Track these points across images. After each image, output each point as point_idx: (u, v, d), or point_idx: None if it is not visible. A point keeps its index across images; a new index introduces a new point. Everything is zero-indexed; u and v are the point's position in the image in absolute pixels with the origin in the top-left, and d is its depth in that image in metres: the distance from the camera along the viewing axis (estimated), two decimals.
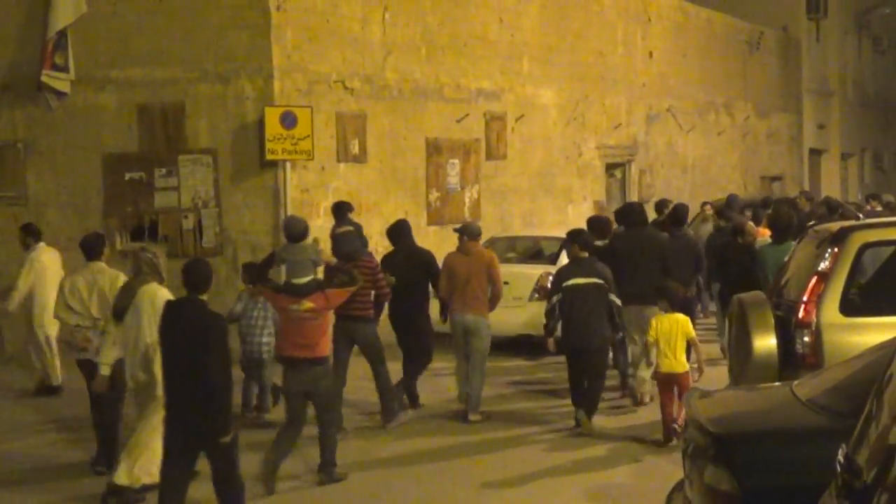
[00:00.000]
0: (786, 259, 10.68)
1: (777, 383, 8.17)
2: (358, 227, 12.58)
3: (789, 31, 33.94)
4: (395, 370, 12.22)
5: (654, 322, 11.02)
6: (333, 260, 10.62)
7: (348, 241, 11.50)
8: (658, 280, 11.91)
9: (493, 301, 12.33)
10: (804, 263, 9.70)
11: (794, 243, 10.98)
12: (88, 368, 10.19)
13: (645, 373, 12.35)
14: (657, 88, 25.44)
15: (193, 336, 7.92)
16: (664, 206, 17.42)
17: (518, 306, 15.14)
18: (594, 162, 23.04)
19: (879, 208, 20.21)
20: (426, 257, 12.55)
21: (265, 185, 15.62)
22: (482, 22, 19.50)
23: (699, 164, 27.69)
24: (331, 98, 16.31)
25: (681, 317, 10.98)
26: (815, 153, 35.90)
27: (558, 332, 11.84)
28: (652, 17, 25.31)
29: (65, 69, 16.25)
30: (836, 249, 9.24)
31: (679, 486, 7.06)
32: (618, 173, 24.26)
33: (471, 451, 11.03)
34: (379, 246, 16.83)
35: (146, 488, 9.30)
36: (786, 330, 9.24)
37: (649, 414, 11.91)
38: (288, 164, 15.40)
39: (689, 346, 11.05)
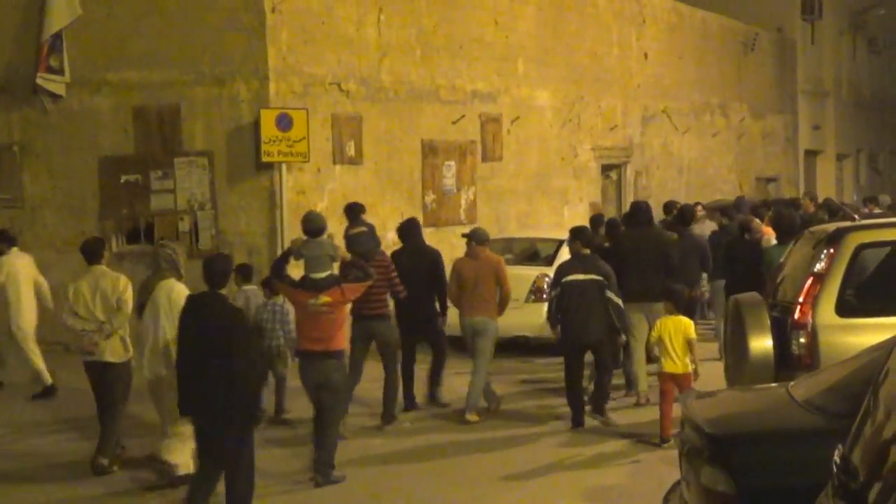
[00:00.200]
0: (781, 260, 10.70)
1: (773, 384, 8.18)
2: (371, 228, 12.75)
3: (784, 32, 33.97)
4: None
5: (658, 323, 11.11)
6: (349, 256, 10.80)
7: (362, 241, 11.65)
8: (663, 278, 12.07)
9: (502, 304, 12.49)
10: (800, 264, 9.72)
11: None
12: (96, 371, 10.36)
13: (642, 371, 12.52)
14: (652, 90, 25.46)
15: (214, 329, 8.12)
16: (672, 207, 17.52)
17: (514, 308, 15.06)
18: (590, 163, 23.06)
19: (877, 210, 20.21)
20: (432, 256, 12.79)
21: (261, 188, 15.62)
22: (478, 24, 19.51)
23: (695, 165, 27.71)
24: (326, 100, 16.32)
25: (685, 319, 11.06)
26: (811, 154, 35.94)
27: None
28: (647, 19, 25.33)
29: (60, 72, 16.26)
30: (831, 250, 9.26)
31: (676, 487, 7.07)
32: (613, 175, 24.28)
33: (468, 451, 11.05)
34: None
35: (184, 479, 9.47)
36: (782, 331, 9.26)
37: (649, 413, 11.92)
38: (284, 167, 15.40)
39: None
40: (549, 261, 16.39)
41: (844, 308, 9.11)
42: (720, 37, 29.39)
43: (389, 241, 16.74)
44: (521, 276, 15.57)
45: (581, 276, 11.57)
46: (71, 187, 16.59)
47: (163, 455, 9.68)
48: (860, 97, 41.11)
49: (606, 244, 13.50)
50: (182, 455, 9.61)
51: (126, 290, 10.31)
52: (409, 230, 12.94)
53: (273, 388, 12.15)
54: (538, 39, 21.17)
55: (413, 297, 12.22)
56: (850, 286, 9.31)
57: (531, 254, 17.08)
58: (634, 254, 12.69)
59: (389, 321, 12.01)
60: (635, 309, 12.42)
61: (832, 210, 18.69)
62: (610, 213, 23.64)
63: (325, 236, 10.25)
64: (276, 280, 10.36)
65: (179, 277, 9.86)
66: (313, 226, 10.28)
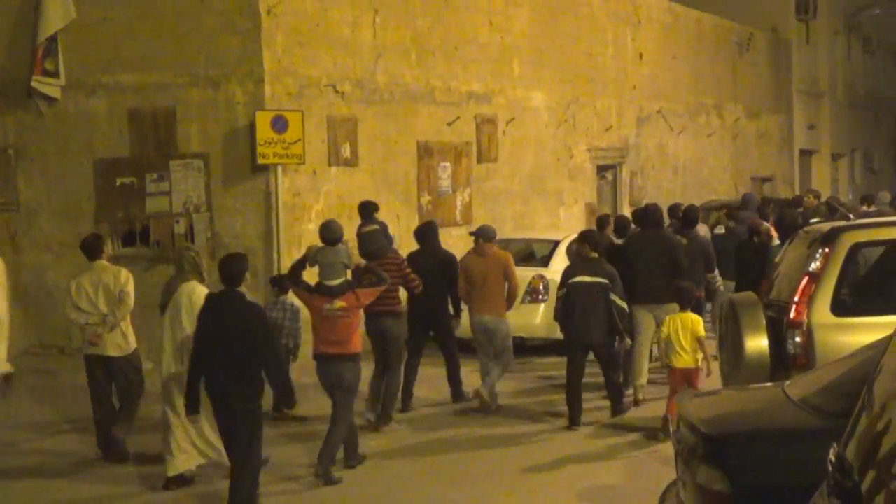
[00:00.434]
0: (776, 260, 10.72)
1: (769, 383, 8.19)
2: (383, 226, 13.16)
3: (779, 31, 34.00)
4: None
5: (667, 319, 11.35)
6: (363, 262, 11.08)
7: (373, 239, 11.89)
8: (672, 280, 12.23)
9: (510, 299, 12.78)
10: (795, 264, 9.73)
11: None
12: (98, 363, 10.75)
13: (644, 367, 12.72)
14: (647, 90, 25.48)
15: (233, 325, 8.42)
16: (678, 210, 17.53)
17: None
18: (585, 164, 23.07)
19: (872, 209, 20.23)
20: (447, 258, 13.03)
21: (257, 190, 15.62)
22: (472, 25, 19.52)
23: (690, 165, 27.73)
24: (322, 102, 16.32)
25: (692, 316, 11.26)
26: (806, 154, 35.97)
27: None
28: (642, 19, 25.35)
29: (55, 75, 16.24)
30: (826, 250, 9.27)
31: (672, 487, 7.08)
32: (609, 175, 24.29)
33: (464, 451, 11.08)
34: None
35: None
36: (777, 330, 9.27)
37: (655, 409, 12.00)
38: (279, 168, 15.39)
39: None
40: (545, 262, 16.43)
41: (840, 307, 9.13)
42: (715, 37, 29.42)
43: None
44: (517, 278, 15.56)
45: (587, 279, 11.79)
46: (66, 190, 16.58)
47: (171, 474, 9.89)
48: (855, 97, 41.16)
49: (617, 241, 13.75)
50: (181, 455, 9.79)
51: (128, 283, 10.66)
52: (426, 233, 13.18)
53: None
54: (533, 40, 21.18)
55: (427, 297, 12.42)
56: (845, 285, 9.33)
57: (527, 255, 17.09)
58: (643, 255, 12.85)
59: (400, 318, 12.12)
60: (644, 309, 12.63)
61: (832, 207, 18.79)
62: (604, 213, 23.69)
63: (340, 244, 10.44)
64: (292, 286, 10.56)
65: (202, 280, 10.11)
66: (332, 235, 10.49)
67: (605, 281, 11.75)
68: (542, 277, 15.81)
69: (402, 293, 12.34)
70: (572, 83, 22.46)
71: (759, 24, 32.46)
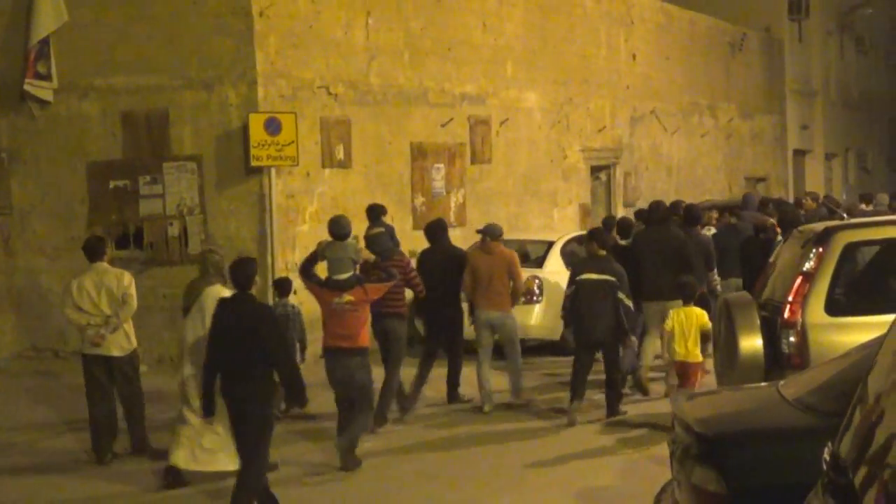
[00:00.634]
0: (771, 260, 10.72)
1: (763, 383, 8.19)
2: (390, 229, 13.47)
3: (772, 32, 34.03)
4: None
5: (672, 313, 11.63)
6: (372, 258, 11.22)
7: (379, 241, 12.03)
8: (677, 277, 12.44)
9: (515, 296, 13.02)
10: (789, 263, 9.74)
11: None
12: (98, 363, 10.90)
13: (649, 357, 13.04)
14: (641, 91, 25.49)
15: (246, 327, 8.60)
16: (679, 208, 17.57)
17: None
18: (579, 165, 23.07)
19: (869, 208, 20.28)
20: (460, 254, 13.25)
21: (250, 192, 15.61)
22: (465, 26, 19.52)
23: (684, 165, 27.75)
24: (315, 104, 16.31)
25: (697, 310, 11.52)
26: (799, 154, 36.00)
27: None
28: (635, 20, 25.36)
29: (48, 77, 16.22)
30: (820, 249, 9.28)
31: (667, 487, 7.07)
32: (603, 176, 24.30)
33: (458, 452, 11.09)
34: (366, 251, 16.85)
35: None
36: (772, 330, 9.27)
37: (661, 406, 12.02)
38: (273, 171, 15.38)
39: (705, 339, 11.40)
40: (539, 263, 16.44)
41: (834, 307, 9.14)
42: (708, 37, 29.44)
43: None
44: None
45: (595, 276, 11.97)
46: (59, 193, 16.56)
47: (176, 462, 9.94)
48: (848, 97, 41.22)
49: (621, 242, 14.01)
50: (181, 450, 9.87)
51: (131, 286, 10.84)
52: (436, 231, 13.33)
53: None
54: (526, 41, 21.18)
55: (440, 295, 12.70)
56: (839, 285, 9.34)
57: (521, 256, 17.03)
58: (650, 252, 13.11)
59: (403, 320, 12.25)
60: (651, 307, 12.94)
61: (831, 210, 18.95)
62: (599, 214, 23.70)
63: (349, 240, 10.69)
64: (304, 280, 10.72)
65: (224, 282, 10.18)
66: (341, 230, 10.75)
67: (613, 279, 11.89)
68: (536, 278, 15.83)
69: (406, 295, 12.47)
70: (566, 84, 22.47)
71: (751, 25, 32.49)
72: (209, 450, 9.76)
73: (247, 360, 8.59)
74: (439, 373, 13.40)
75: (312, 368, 11.67)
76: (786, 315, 9.15)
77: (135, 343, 11.08)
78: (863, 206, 20.62)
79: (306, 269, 10.60)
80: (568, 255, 16.49)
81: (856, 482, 4.09)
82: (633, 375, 13.29)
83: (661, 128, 26.34)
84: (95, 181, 16.29)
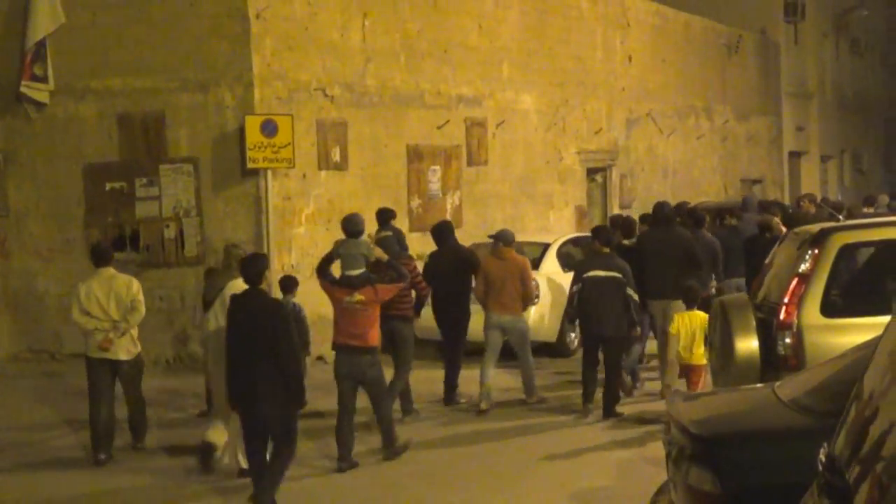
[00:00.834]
0: (767, 261, 10.74)
1: (759, 384, 8.20)
2: (397, 232, 13.83)
3: (767, 33, 34.07)
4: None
5: (676, 317, 11.88)
6: (385, 257, 11.35)
7: (386, 245, 12.16)
8: (683, 276, 12.73)
9: (526, 301, 13.28)
10: (785, 265, 9.75)
11: None
12: (105, 367, 11.07)
13: (666, 359, 12.93)
14: (637, 93, 25.51)
15: (258, 322, 8.82)
16: (683, 209, 17.69)
17: None
18: (575, 167, 23.09)
19: (871, 210, 20.30)
20: (469, 255, 13.58)
21: (246, 194, 15.61)
22: (462, 28, 19.53)
23: (680, 167, 27.77)
24: (311, 106, 16.32)
25: (700, 314, 11.63)
26: (795, 155, 36.03)
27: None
28: (631, 22, 25.39)
29: (44, 79, 16.22)
30: (816, 251, 9.29)
31: (663, 488, 7.09)
32: (599, 178, 24.31)
33: (455, 452, 11.11)
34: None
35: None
36: (767, 331, 9.28)
37: (655, 407, 12.12)
38: (269, 173, 15.38)
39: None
40: (535, 265, 16.41)
41: (829, 308, 9.15)
42: (704, 39, 29.47)
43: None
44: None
45: (602, 273, 12.26)
46: (56, 195, 16.56)
47: (209, 439, 10.30)
48: (843, 98, 41.26)
49: (625, 242, 14.22)
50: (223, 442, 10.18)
51: (139, 293, 11.07)
52: (442, 232, 13.62)
53: None
54: (522, 43, 21.20)
55: (449, 296, 13.11)
56: (834, 286, 9.35)
57: None
58: (655, 253, 13.34)
59: (410, 322, 12.45)
60: (655, 306, 13.17)
61: (832, 215, 19.05)
62: (596, 216, 23.73)
63: (363, 238, 11.18)
64: (319, 278, 10.93)
65: None
66: (354, 227, 11.24)
67: (619, 275, 12.18)
68: (532, 280, 15.83)
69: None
70: (562, 86, 22.49)
71: (747, 27, 32.52)
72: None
73: (260, 354, 8.79)
74: (440, 374, 13.51)
75: (323, 365, 11.69)
76: (781, 316, 9.16)
77: (139, 347, 11.29)
78: (865, 209, 20.62)
79: (322, 269, 10.88)
80: (564, 257, 16.52)
81: (849, 478, 4.11)
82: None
83: (657, 130, 26.36)
84: (92, 183, 16.29)
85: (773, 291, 9.72)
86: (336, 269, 10.94)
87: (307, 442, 11.25)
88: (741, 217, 17.27)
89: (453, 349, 13.38)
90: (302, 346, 12.45)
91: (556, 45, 22.28)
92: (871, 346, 5.47)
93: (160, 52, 15.77)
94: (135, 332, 11.18)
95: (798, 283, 9.20)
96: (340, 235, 16.50)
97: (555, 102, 22.23)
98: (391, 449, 10.79)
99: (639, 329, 12.78)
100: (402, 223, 17.59)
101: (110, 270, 11.12)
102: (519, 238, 18.13)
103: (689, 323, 11.73)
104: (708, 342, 11.14)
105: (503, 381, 14.03)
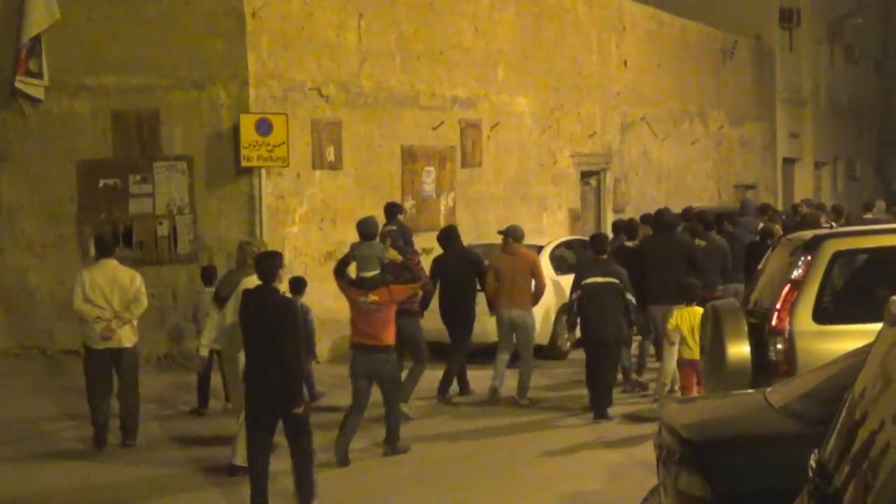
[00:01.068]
0: (759, 267, 10.75)
1: (750, 390, 8.21)
2: (403, 227, 14.30)
3: (762, 39, 34.13)
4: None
5: (675, 313, 12.18)
6: (399, 258, 11.64)
7: (390, 238, 12.55)
8: (683, 280, 12.88)
9: (537, 296, 13.52)
10: (778, 271, 9.75)
11: None
12: (106, 356, 11.27)
13: (670, 366, 13.13)
14: (631, 97, 25.54)
15: (268, 319, 8.94)
16: (690, 213, 18.04)
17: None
18: (569, 170, 23.10)
19: (869, 216, 20.36)
20: (475, 257, 13.80)
21: (240, 192, 15.61)
22: (457, 30, 19.54)
23: (674, 172, 27.80)
24: (306, 105, 16.31)
25: (700, 309, 11.63)
26: (789, 162, 36.09)
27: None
28: (626, 26, 25.41)
29: (38, 75, 16.20)
30: (808, 257, 9.29)
31: (653, 492, 7.09)
32: (592, 181, 24.33)
33: (446, 455, 11.08)
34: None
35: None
36: (759, 337, 9.29)
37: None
38: (263, 171, 15.38)
39: None
40: None
41: (821, 315, 9.15)
42: (699, 44, 29.51)
43: None
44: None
45: (600, 279, 12.48)
46: (49, 191, 16.53)
47: (238, 463, 10.21)
48: (837, 105, 41.33)
49: (628, 243, 14.66)
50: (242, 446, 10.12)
51: (142, 286, 11.33)
52: (448, 236, 13.89)
53: None
54: (518, 46, 21.21)
55: (456, 297, 13.42)
56: (827, 293, 9.36)
57: None
58: (658, 257, 13.61)
59: (415, 318, 12.69)
60: (658, 310, 13.38)
61: (839, 213, 19.45)
62: (588, 220, 23.76)
63: (376, 240, 11.50)
64: (337, 279, 11.17)
65: None
66: (369, 230, 11.60)
67: (617, 280, 12.42)
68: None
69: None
70: (557, 89, 22.50)
71: (742, 32, 32.57)
72: None
73: (269, 350, 8.90)
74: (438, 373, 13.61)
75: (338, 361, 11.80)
76: (773, 322, 9.16)
77: (137, 336, 11.50)
78: (865, 215, 20.66)
79: (339, 270, 11.16)
80: (557, 260, 16.55)
81: (838, 481, 4.13)
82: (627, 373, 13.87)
83: (651, 134, 26.39)
84: (85, 180, 16.27)
85: (765, 297, 9.73)
86: (351, 270, 11.22)
87: (333, 433, 11.41)
88: (738, 222, 17.38)
89: (457, 350, 13.62)
90: (307, 348, 12.59)
91: (551, 48, 22.30)
92: (862, 354, 5.48)
93: (155, 49, 15.76)
94: (135, 321, 11.38)
95: (790, 289, 9.20)
96: (334, 235, 16.64)
97: (549, 105, 22.24)
98: (393, 446, 10.97)
99: (635, 329, 13.09)
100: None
101: (113, 262, 11.36)
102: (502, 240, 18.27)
103: (689, 318, 11.90)
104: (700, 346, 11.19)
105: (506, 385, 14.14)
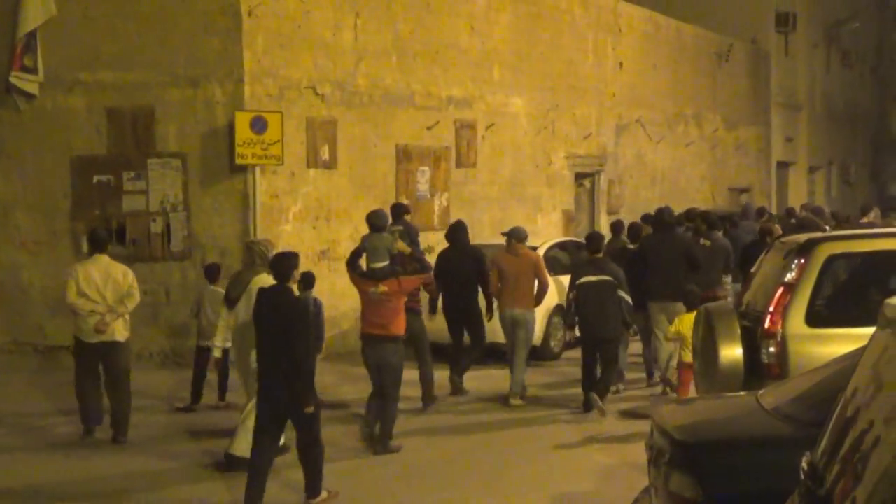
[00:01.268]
0: (753, 270, 10.76)
1: (742, 392, 8.21)
2: (409, 227, 14.63)
3: (758, 43, 34.15)
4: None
5: (676, 319, 12.54)
6: (408, 250, 11.89)
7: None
8: (683, 279, 13.31)
9: (541, 296, 13.74)
10: (771, 274, 9.76)
11: None
12: (96, 351, 11.35)
13: (668, 371, 13.42)
14: (627, 99, 25.54)
15: (281, 318, 9.04)
16: (693, 214, 18.24)
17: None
18: (564, 171, 23.11)
19: (866, 220, 20.37)
20: (477, 255, 14.03)
21: (234, 190, 15.59)
22: (453, 30, 19.53)
23: (668, 174, 27.81)
24: (301, 104, 16.30)
25: None
26: (783, 165, 36.12)
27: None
28: (622, 28, 25.42)
29: (34, 71, 16.18)
30: (802, 261, 9.31)
31: (644, 494, 7.09)
32: (587, 183, 24.34)
33: (439, 455, 11.07)
34: (349, 252, 16.84)
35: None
36: (752, 340, 9.30)
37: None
38: (258, 169, 15.37)
39: None
40: None
41: (814, 318, 9.16)
42: (695, 47, 29.52)
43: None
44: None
45: (594, 278, 12.69)
46: (43, 187, 16.50)
47: (235, 453, 10.31)
48: (833, 109, 41.37)
49: (630, 245, 14.92)
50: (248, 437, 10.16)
51: (135, 281, 11.47)
52: (455, 232, 14.19)
53: None
54: (514, 46, 21.21)
55: (457, 292, 13.70)
56: (819, 296, 9.37)
57: None
58: (657, 256, 13.78)
59: (418, 315, 12.86)
60: (658, 308, 13.59)
61: (839, 219, 19.62)
62: (582, 221, 23.76)
63: (386, 233, 11.74)
64: (349, 271, 11.46)
65: (269, 271, 10.50)
66: (379, 221, 11.82)
67: (611, 278, 12.62)
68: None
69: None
70: (552, 90, 22.50)
71: (738, 36, 32.59)
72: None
73: (282, 348, 8.99)
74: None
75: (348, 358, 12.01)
76: (766, 325, 9.17)
77: (129, 332, 11.61)
78: (864, 219, 20.66)
79: (352, 262, 11.43)
80: (551, 261, 16.53)
81: (828, 479, 4.13)
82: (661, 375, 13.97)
83: (646, 136, 26.39)
84: (79, 176, 16.24)
85: (758, 300, 9.74)
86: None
87: (346, 426, 11.69)
88: (738, 224, 17.67)
89: (477, 339, 13.96)
90: (319, 340, 12.70)
91: (547, 49, 22.30)
92: (854, 357, 5.49)
93: (151, 46, 15.74)
94: (127, 316, 11.49)
95: (784, 292, 9.22)
96: (327, 234, 16.64)
97: (545, 106, 22.24)
98: (385, 445, 11.00)
99: (632, 329, 13.31)
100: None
101: (105, 257, 11.48)
102: (505, 241, 18.27)
103: (690, 323, 11.90)
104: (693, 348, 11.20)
105: (491, 381, 14.14)
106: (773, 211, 28.73)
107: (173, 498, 9.81)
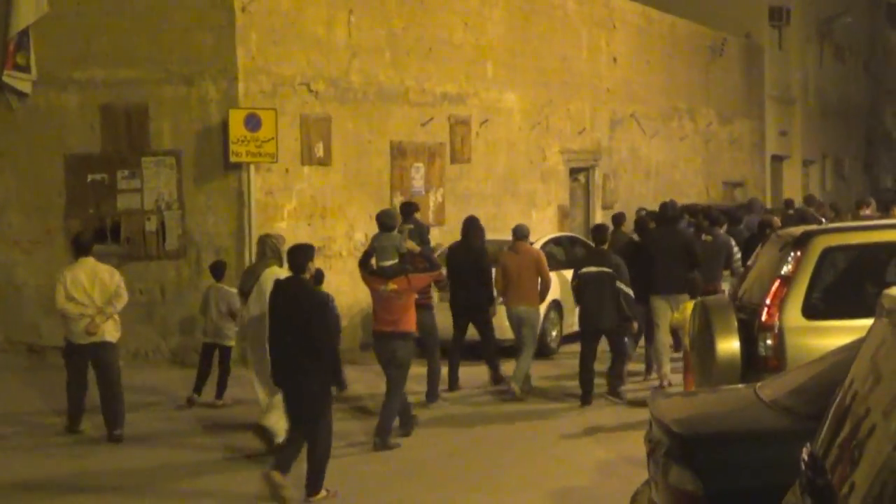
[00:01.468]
0: (749, 262, 10.76)
1: (740, 385, 8.21)
2: (420, 225, 14.82)
3: (752, 37, 34.16)
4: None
5: (681, 307, 12.58)
6: (416, 248, 12.07)
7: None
8: (685, 272, 13.48)
9: (543, 292, 13.96)
10: (768, 267, 9.76)
11: None
12: (86, 352, 11.46)
13: (666, 356, 13.74)
14: (621, 94, 25.53)
15: (299, 310, 9.17)
16: (695, 210, 18.63)
17: None
18: (558, 167, 23.09)
19: (867, 212, 20.37)
20: (478, 250, 14.24)
21: (229, 188, 15.56)
22: (447, 26, 19.51)
23: (662, 169, 27.81)
24: (295, 101, 16.27)
25: None
26: (777, 159, 36.14)
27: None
28: (616, 23, 25.41)
29: (26, 69, 16.15)
30: (798, 253, 9.30)
31: (643, 488, 7.08)
32: (581, 178, 24.33)
33: (437, 452, 11.07)
34: (344, 249, 16.82)
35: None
36: (749, 333, 9.29)
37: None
38: (252, 167, 15.33)
39: None
40: None
41: (811, 310, 9.16)
42: (688, 42, 29.52)
43: (357, 241, 16.73)
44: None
45: (594, 269, 13.02)
46: (37, 186, 16.47)
47: (265, 423, 10.47)
48: (826, 104, 41.40)
49: (635, 237, 15.24)
50: (280, 424, 10.25)
51: (122, 281, 11.58)
52: (466, 227, 14.38)
53: None
54: (507, 42, 21.19)
55: (463, 287, 13.90)
56: (816, 289, 9.37)
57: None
58: (661, 249, 13.98)
59: (430, 311, 13.03)
60: (661, 300, 13.76)
61: (837, 210, 19.77)
62: (577, 216, 23.75)
63: (395, 231, 11.90)
64: (361, 269, 11.69)
65: (281, 264, 10.70)
66: (388, 220, 11.98)
67: (610, 270, 12.84)
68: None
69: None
70: (546, 85, 22.49)
71: (732, 30, 32.59)
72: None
73: (298, 340, 9.08)
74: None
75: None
76: (763, 318, 9.17)
77: (119, 332, 11.69)
78: (864, 212, 20.65)
79: (364, 262, 11.66)
80: (545, 257, 16.52)
81: (828, 467, 4.13)
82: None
83: (640, 131, 26.39)
84: (73, 174, 16.21)
85: (755, 292, 9.73)
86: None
87: (360, 420, 11.78)
88: (742, 220, 17.96)
89: (485, 332, 14.07)
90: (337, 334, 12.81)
91: (540, 44, 22.29)
92: (852, 349, 5.48)
93: (144, 43, 15.70)
94: (117, 316, 11.55)
95: (780, 284, 9.22)
96: (322, 231, 16.61)
97: (539, 102, 22.23)
98: (383, 440, 11.03)
99: (636, 324, 13.46)
100: None
101: (91, 259, 11.55)
102: (501, 236, 18.23)
103: None
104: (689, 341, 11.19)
105: (483, 376, 14.18)
106: (769, 205, 28.76)
107: (195, 489, 9.90)
